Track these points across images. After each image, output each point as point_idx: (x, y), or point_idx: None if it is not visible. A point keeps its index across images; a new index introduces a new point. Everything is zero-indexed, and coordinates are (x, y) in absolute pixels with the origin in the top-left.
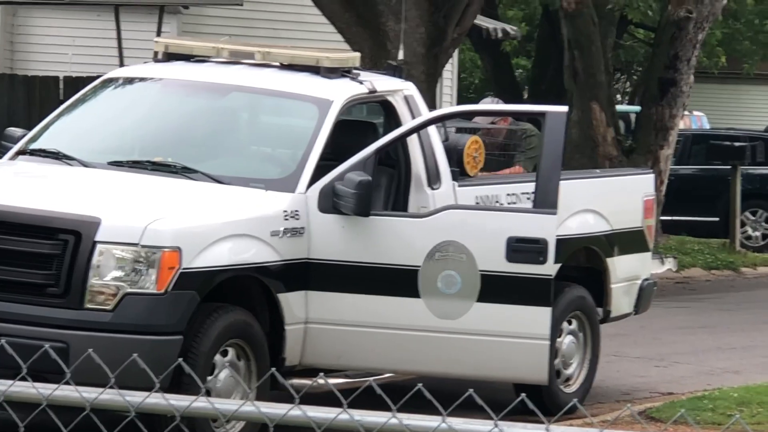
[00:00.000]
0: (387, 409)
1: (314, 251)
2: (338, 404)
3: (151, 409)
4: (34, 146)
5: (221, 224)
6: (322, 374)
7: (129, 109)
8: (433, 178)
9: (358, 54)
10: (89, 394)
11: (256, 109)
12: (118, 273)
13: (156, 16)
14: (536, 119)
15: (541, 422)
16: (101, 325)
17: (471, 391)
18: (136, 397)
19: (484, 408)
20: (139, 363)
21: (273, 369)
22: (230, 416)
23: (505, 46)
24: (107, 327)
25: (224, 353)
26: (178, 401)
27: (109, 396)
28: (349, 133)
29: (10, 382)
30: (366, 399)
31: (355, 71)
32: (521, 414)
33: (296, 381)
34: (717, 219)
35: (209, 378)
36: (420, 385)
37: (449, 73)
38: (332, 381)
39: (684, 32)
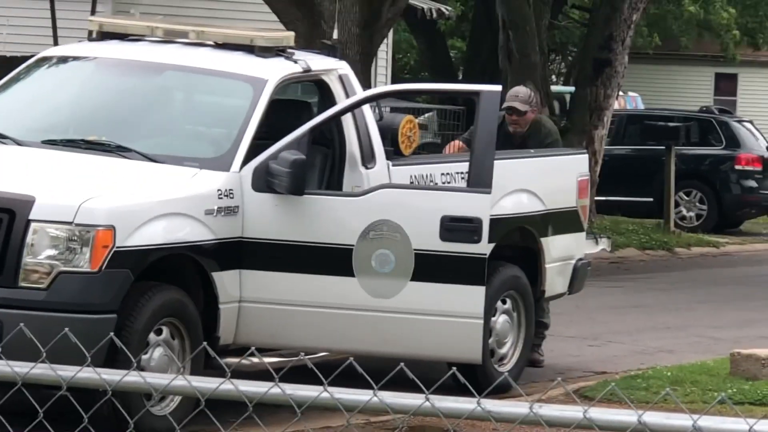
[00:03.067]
0: (319, 385)
1: (248, 230)
2: (271, 381)
3: (83, 384)
4: None
5: (155, 203)
6: (253, 348)
7: (63, 88)
8: (368, 158)
9: (292, 33)
10: (21, 368)
11: (191, 88)
12: (52, 251)
13: None
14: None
15: (473, 396)
16: (35, 303)
17: (402, 365)
18: (67, 372)
19: (416, 383)
20: (71, 337)
21: (204, 343)
22: (162, 390)
23: (441, 26)
24: (41, 305)
25: (158, 332)
26: (110, 375)
27: (40, 370)
28: (283, 112)
29: None
30: (298, 377)
31: (289, 50)
32: (455, 393)
33: (230, 360)
34: (651, 199)
35: (144, 357)
36: (351, 359)
37: (384, 54)
38: (266, 360)
39: (618, 12)
